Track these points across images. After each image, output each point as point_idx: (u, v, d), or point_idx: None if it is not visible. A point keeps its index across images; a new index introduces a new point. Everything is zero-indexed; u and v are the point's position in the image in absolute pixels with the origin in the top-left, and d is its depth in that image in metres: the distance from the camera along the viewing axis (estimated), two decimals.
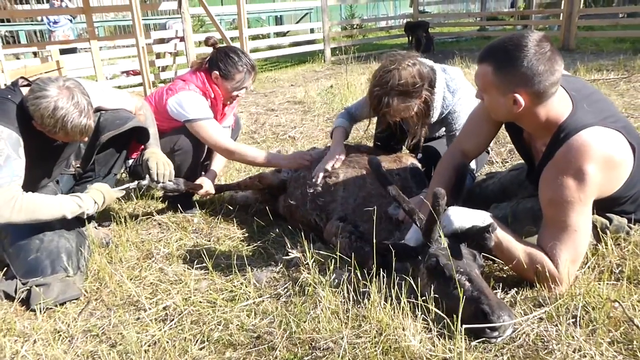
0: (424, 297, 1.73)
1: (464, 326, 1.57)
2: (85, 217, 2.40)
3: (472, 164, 2.48)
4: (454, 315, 1.61)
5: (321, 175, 2.61)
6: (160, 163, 2.63)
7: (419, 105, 2.46)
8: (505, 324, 1.59)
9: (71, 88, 2.21)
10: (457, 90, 2.54)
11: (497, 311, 1.59)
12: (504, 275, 2.01)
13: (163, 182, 2.65)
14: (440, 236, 1.80)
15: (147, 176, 2.65)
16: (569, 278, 1.79)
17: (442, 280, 1.75)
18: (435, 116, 2.54)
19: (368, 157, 2.56)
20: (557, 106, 1.80)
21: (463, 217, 1.83)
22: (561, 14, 10.08)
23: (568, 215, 1.73)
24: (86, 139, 2.41)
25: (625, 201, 1.95)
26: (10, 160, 2.16)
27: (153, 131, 2.76)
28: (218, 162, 3.20)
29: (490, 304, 1.61)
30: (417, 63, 2.43)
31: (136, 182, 2.72)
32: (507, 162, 3.57)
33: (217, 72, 2.87)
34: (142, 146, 2.76)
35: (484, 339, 1.61)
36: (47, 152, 2.46)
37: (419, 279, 1.82)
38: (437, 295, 1.74)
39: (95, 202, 2.40)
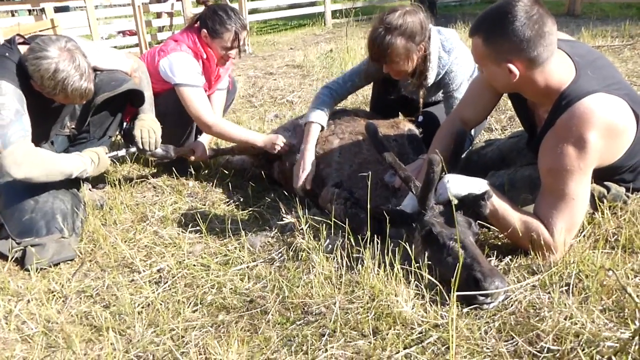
0: (418, 264, 1.72)
1: (457, 293, 1.58)
2: (84, 177, 2.42)
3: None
4: (447, 282, 1.61)
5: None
6: (145, 130, 2.60)
7: (419, 57, 2.40)
8: (497, 291, 1.59)
9: (72, 50, 2.17)
10: (452, 49, 2.49)
11: (490, 278, 1.59)
12: (499, 243, 2.01)
13: (150, 150, 2.63)
14: (450, 203, 1.77)
15: (133, 148, 2.65)
16: (564, 246, 1.79)
17: (435, 248, 1.75)
18: (432, 77, 2.49)
19: (365, 122, 2.52)
20: (558, 72, 1.76)
21: (459, 184, 1.81)
22: None
23: (567, 183, 1.71)
24: (84, 101, 2.37)
25: (625, 170, 1.93)
26: (20, 115, 2.14)
27: (148, 94, 2.71)
28: None
29: (482, 271, 1.61)
30: (419, 12, 2.37)
31: (124, 150, 2.71)
32: (507, 129, 3.53)
33: (205, 31, 2.79)
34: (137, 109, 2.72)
35: (476, 305, 1.62)
36: (45, 112, 2.42)
37: (414, 246, 1.82)
38: (430, 263, 1.74)
39: (92, 161, 2.42)
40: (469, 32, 1.84)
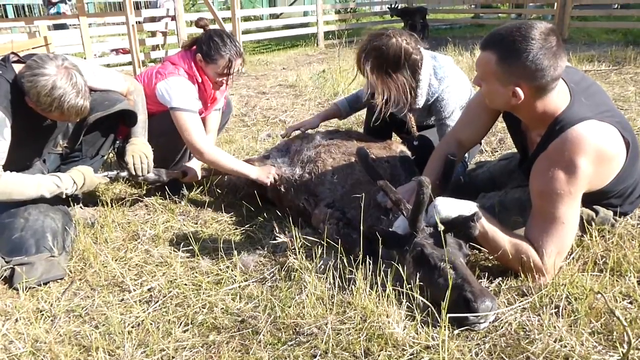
0: (409, 285, 1.73)
1: (449, 315, 1.58)
2: (63, 196, 2.39)
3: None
4: (438, 304, 1.62)
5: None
6: (137, 156, 2.61)
7: (395, 87, 2.43)
8: (488, 313, 1.60)
9: (69, 68, 2.19)
10: (444, 77, 2.53)
11: (480, 298, 1.60)
12: (489, 265, 2.02)
13: (142, 175, 2.64)
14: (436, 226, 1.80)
15: (125, 171, 2.65)
16: (553, 269, 1.81)
17: (427, 269, 1.76)
18: (420, 103, 2.53)
19: (357, 146, 2.56)
20: (555, 99, 1.79)
21: (450, 207, 1.83)
22: (555, 4, 10.06)
23: (557, 207, 1.74)
24: (79, 119, 2.38)
25: (613, 195, 1.96)
26: None
27: (142, 118, 2.72)
28: None
29: (473, 291, 1.62)
30: (411, 44, 2.41)
31: (116, 172, 2.71)
32: (497, 151, 3.57)
33: (200, 55, 2.79)
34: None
35: (467, 326, 1.62)
36: (37, 131, 2.42)
37: (405, 267, 1.83)
38: (422, 284, 1.74)
39: (75, 183, 2.41)
40: (481, 44, 1.81)
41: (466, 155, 2.52)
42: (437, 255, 1.76)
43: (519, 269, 1.82)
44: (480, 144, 3.15)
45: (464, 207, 1.83)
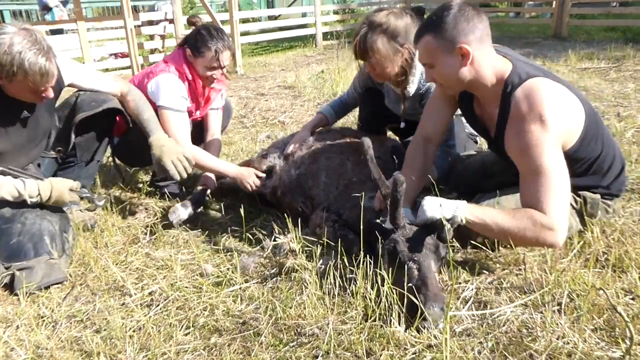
0: (410, 284, 1.72)
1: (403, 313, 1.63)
2: (29, 203, 2.28)
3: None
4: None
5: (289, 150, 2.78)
6: (175, 159, 2.54)
7: (401, 59, 2.42)
8: (437, 317, 1.60)
9: (30, 29, 2.13)
10: None
11: (430, 302, 1.62)
12: (490, 262, 2.02)
13: (184, 179, 2.62)
14: (425, 224, 1.81)
15: (103, 200, 2.60)
16: (561, 223, 1.75)
17: (395, 264, 1.78)
18: (412, 90, 2.52)
19: (349, 144, 2.56)
20: (499, 63, 1.89)
21: (436, 207, 1.82)
22: (554, 2, 10.06)
23: (540, 158, 1.75)
24: (50, 89, 2.25)
25: (590, 166, 1.97)
26: None
27: (150, 114, 2.67)
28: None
29: (426, 294, 1.64)
30: (405, 16, 2.40)
31: (96, 196, 2.61)
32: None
33: (189, 50, 2.80)
34: (127, 124, 2.73)
35: (418, 326, 1.63)
36: (17, 124, 2.34)
37: (382, 260, 1.85)
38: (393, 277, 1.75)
39: (39, 194, 2.30)
40: (415, 38, 1.95)
41: (455, 146, 2.55)
42: (407, 253, 1.78)
43: (530, 238, 1.76)
44: (477, 142, 3.15)
45: (450, 208, 1.81)
